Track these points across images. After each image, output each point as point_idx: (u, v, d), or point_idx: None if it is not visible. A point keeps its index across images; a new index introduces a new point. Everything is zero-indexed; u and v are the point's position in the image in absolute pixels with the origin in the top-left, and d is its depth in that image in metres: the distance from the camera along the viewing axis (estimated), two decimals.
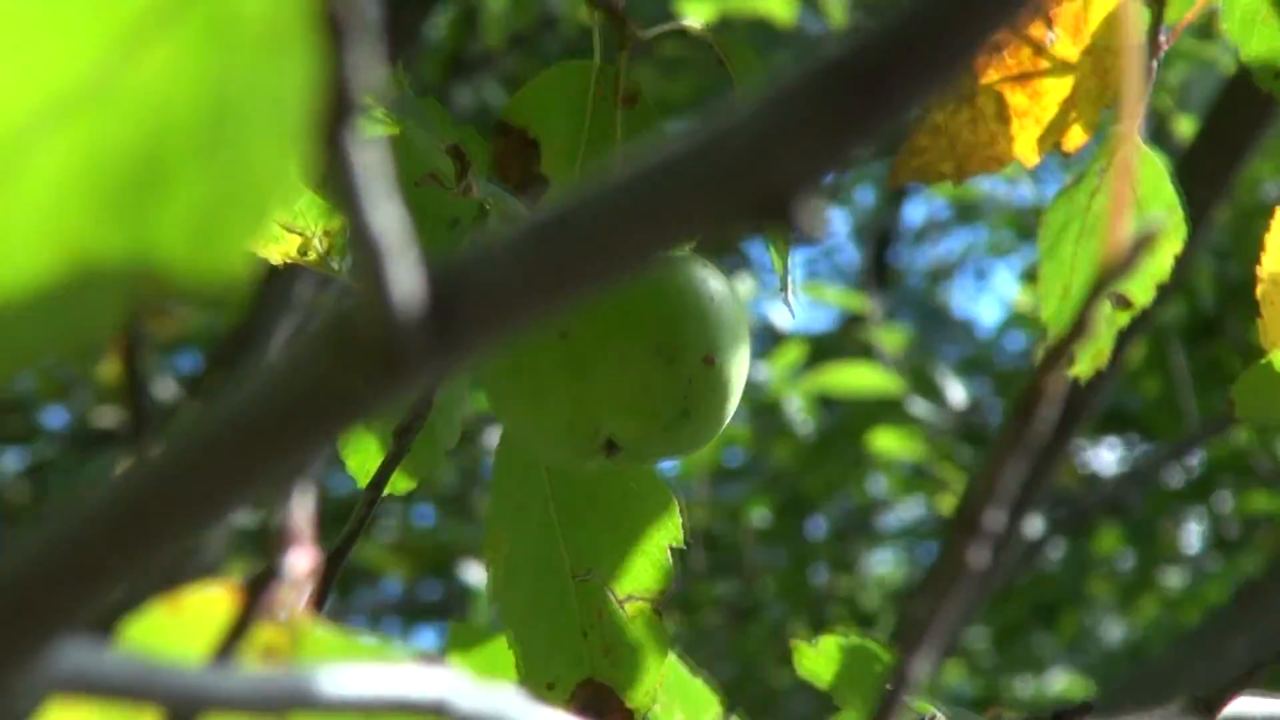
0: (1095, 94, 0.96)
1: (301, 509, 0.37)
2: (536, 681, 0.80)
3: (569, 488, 0.80)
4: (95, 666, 0.32)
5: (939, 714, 0.82)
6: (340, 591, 3.53)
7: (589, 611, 0.80)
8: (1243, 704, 0.86)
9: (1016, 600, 3.34)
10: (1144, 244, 0.40)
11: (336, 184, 0.32)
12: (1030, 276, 3.17)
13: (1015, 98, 0.95)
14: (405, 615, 3.69)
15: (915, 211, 4.86)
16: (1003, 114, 0.94)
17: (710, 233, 0.34)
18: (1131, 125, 0.98)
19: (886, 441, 3.06)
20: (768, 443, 3.40)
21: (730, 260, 4.59)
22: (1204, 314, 3.26)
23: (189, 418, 0.35)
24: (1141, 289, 0.99)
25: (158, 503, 0.34)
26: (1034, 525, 2.86)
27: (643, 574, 0.80)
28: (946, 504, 3.22)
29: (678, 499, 0.80)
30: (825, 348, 3.36)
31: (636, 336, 0.72)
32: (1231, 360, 3.21)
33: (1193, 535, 3.60)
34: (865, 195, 5.07)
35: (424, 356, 0.33)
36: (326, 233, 0.76)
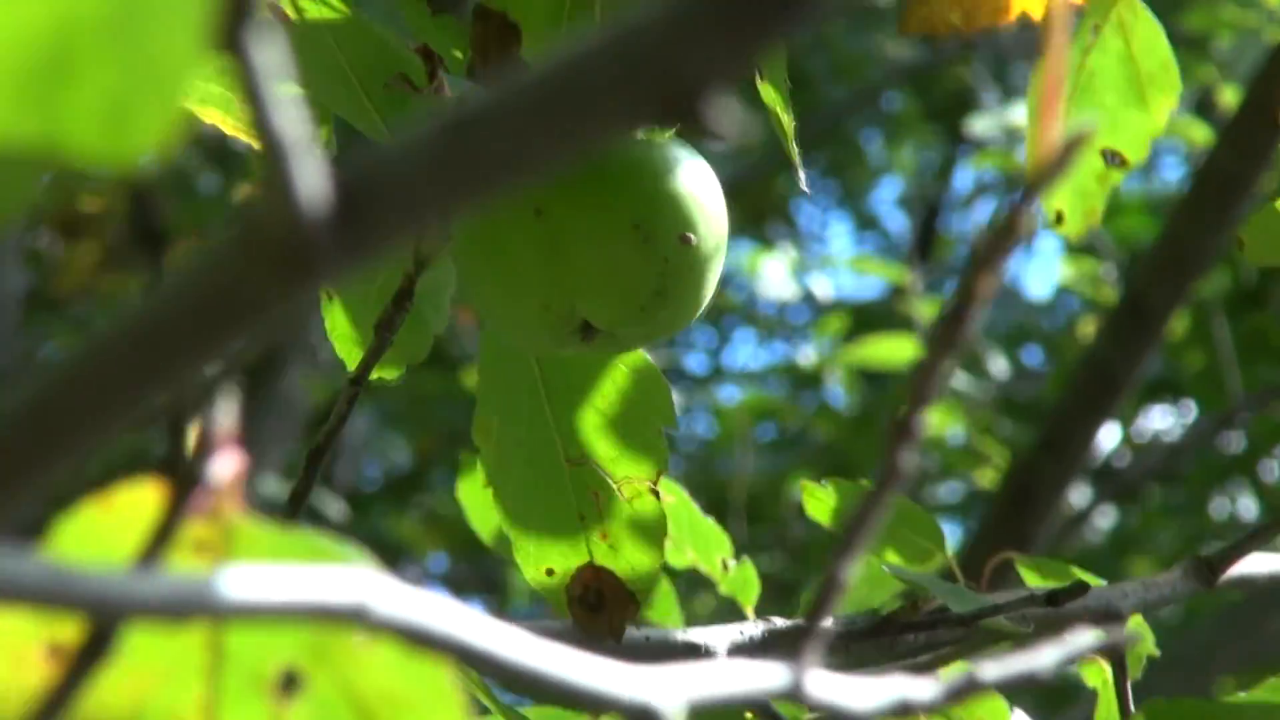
0: None
1: (225, 411, 0.37)
2: (535, 568, 0.80)
3: (559, 370, 0.79)
4: (7, 571, 0.32)
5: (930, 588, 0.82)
6: (388, 564, 3.56)
7: (584, 495, 0.80)
8: (1248, 563, 0.86)
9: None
10: (1074, 146, 0.39)
11: (237, 84, 0.32)
12: (1075, 249, 3.12)
13: None
14: (453, 589, 3.72)
15: (964, 179, 4.82)
16: None
17: (620, 129, 0.34)
18: None
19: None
20: (809, 416, 3.40)
21: (777, 228, 4.58)
22: (1247, 286, 3.22)
23: (110, 317, 0.35)
24: (1135, 147, 0.98)
25: (74, 397, 0.34)
26: (1081, 495, 2.86)
27: (637, 456, 0.79)
28: (988, 478, 3.20)
29: (668, 381, 0.79)
30: (869, 320, 3.34)
31: (612, 214, 0.71)
32: (1275, 332, 3.18)
33: (1240, 506, 3.58)
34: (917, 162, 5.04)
35: (332, 254, 0.33)
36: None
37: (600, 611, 0.80)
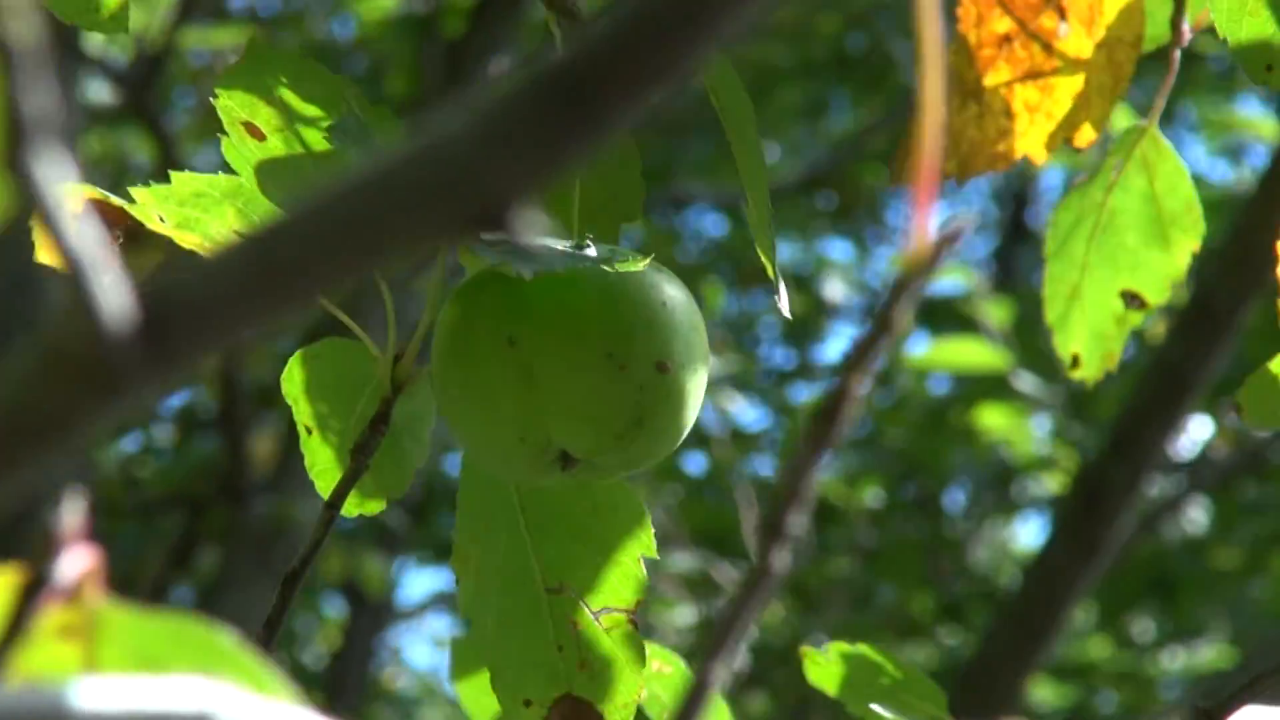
0: (1109, 88, 0.93)
1: (71, 512, 0.37)
2: (511, 698, 0.78)
3: (538, 499, 0.78)
4: None
5: None
6: None
7: (563, 626, 0.78)
8: (1247, 715, 0.83)
9: (1134, 572, 3.28)
10: (947, 241, 0.38)
11: (31, 208, 0.32)
12: None
13: (1026, 92, 0.92)
14: None
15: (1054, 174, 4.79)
16: (1010, 110, 0.92)
17: (429, 242, 0.33)
18: (1152, 120, 0.95)
19: (993, 418, 3.02)
20: (882, 415, 3.37)
21: (870, 229, 4.56)
22: None
23: None
24: (1156, 289, 0.96)
25: None
26: (1162, 486, 2.81)
27: (617, 586, 0.78)
28: (1057, 482, 3.17)
29: (649, 510, 0.78)
30: (940, 321, 3.32)
31: (586, 343, 0.70)
32: None
33: None
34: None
35: (137, 373, 0.33)
36: None
37: None
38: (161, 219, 0.73)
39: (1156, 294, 0.95)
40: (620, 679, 0.78)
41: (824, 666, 0.91)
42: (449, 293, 0.74)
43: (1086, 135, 0.92)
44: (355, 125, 0.72)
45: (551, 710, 0.78)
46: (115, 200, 0.73)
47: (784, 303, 0.77)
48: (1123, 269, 0.95)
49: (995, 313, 3.06)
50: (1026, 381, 3.00)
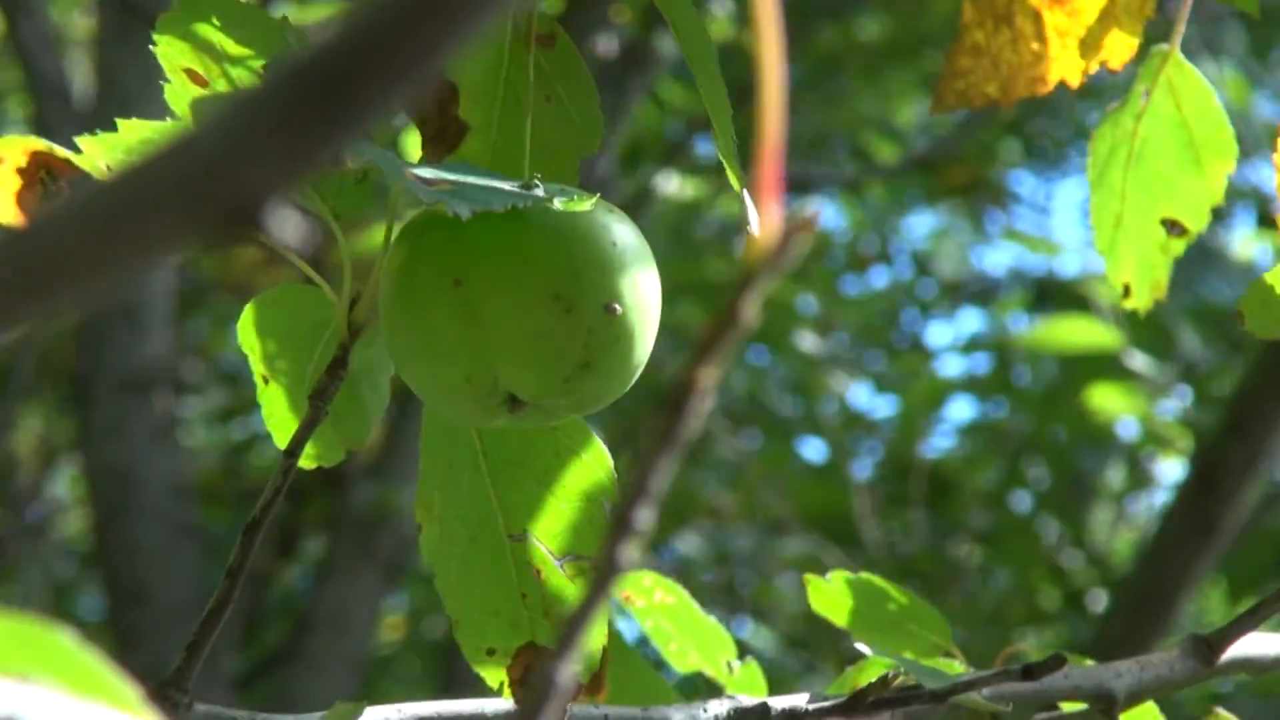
0: (1136, 7, 0.91)
1: None
2: (474, 647, 0.77)
3: (500, 444, 0.77)
4: None
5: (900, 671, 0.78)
6: None
7: (526, 573, 0.77)
8: (1249, 643, 0.81)
9: (1260, 550, 3.20)
10: (794, 234, 0.37)
11: None
12: (1266, 223, 3.04)
13: (1053, 17, 0.91)
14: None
15: None
16: (1041, 33, 0.91)
17: (182, 241, 0.33)
18: (1174, 43, 0.93)
19: (1106, 398, 2.97)
20: (992, 397, 3.33)
21: (990, 208, 4.50)
22: None
23: None
24: (1195, 215, 0.94)
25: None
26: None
27: (581, 533, 0.77)
28: (1173, 462, 3.11)
29: (609, 455, 0.77)
30: (1056, 302, 3.28)
31: (532, 284, 0.69)
32: None
33: None
34: None
35: None
36: None
37: None
38: (108, 168, 0.73)
39: (1196, 220, 0.95)
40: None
41: (829, 595, 0.90)
42: (397, 234, 0.73)
43: (1119, 56, 0.91)
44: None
45: (515, 659, 0.77)
46: (60, 151, 0.73)
47: (754, 224, 0.75)
48: (1160, 196, 0.94)
49: (1107, 292, 3.00)
50: (1139, 361, 2.95)
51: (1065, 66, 0.92)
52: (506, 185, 0.69)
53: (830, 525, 3.18)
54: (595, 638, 0.77)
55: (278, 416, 0.78)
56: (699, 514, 3.35)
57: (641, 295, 0.71)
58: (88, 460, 2.40)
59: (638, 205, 3.41)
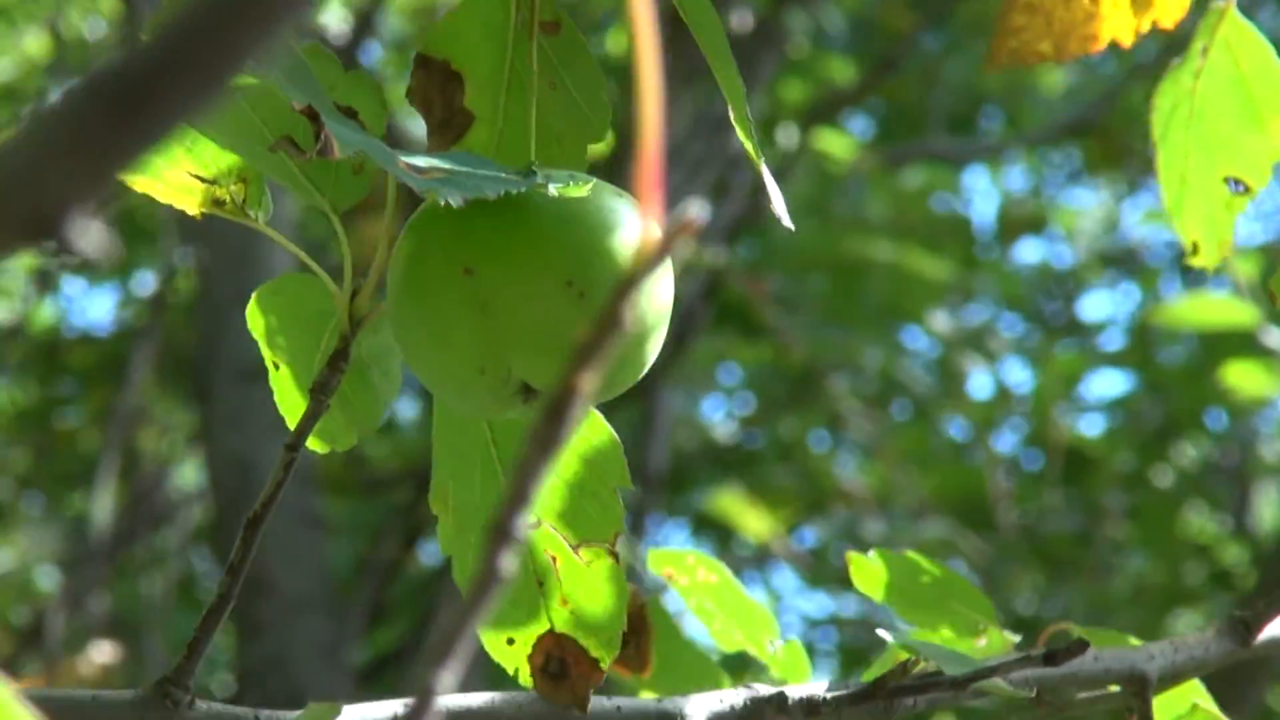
0: None
1: None
2: (494, 638, 0.77)
3: (510, 433, 0.76)
4: None
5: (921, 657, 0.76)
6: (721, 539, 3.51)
7: (542, 560, 0.77)
8: None
9: None
10: (677, 233, 0.36)
11: None
12: None
13: None
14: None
15: None
16: None
17: None
18: (1229, 0, 0.91)
19: (1242, 375, 2.90)
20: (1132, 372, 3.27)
21: (1138, 178, 4.41)
22: None
23: None
24: (1257, 173, 0.92)
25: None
26: None
27: (595, 519, 0.76)
28: None
29: (619, 440, 0.76)
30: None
31: (544, 271, 0.68)
32: None
33: None
34: None
35: None
36: (241, 181, 0.75)
37: (563, 680, 0.77)
38: None
39: (1258, 177, 0.94)
40: (603, 613, 0.76)
41: (869, 571, 0.89)
42: (405, 225, 0.72)
43: (1171, 14, 0.89)
44: (286, 59, 0.70)
45: (534, 648, 0.77)
46: None
47: (779, 206, 0.74)
48: (1221, 154, 0.93)
49: (1243, 267, 2.93)
50: (1276, 338, 2.87)
51: (1117, 24, 0.91)
52: (504, 173, 0.68)
53: (965, 509, 3.14)
54: (613, 623, 0.76)
55: (289, 403, 0.78)
56: (832, 499, 3.33)
57: (655, 280, 0.70)
58: (209, 451, 2.42)
59: (777, 179, 3.39)
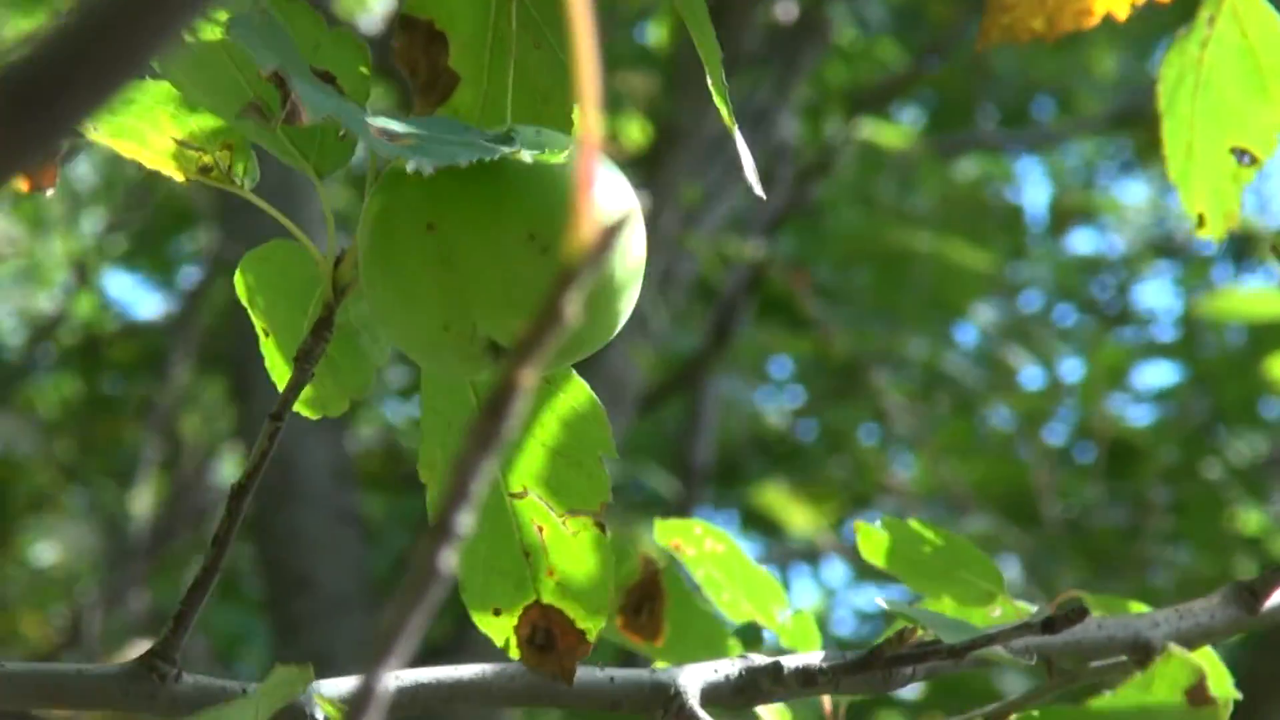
0: None
1: None
2: (480, 608, 0.76)
3: None
4: None
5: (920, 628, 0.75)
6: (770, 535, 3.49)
7: (529, 530, 0.76)
8: None
9: None
10: (613, 232, 0.37)
11: None
12: None
13: None
14: None
15: None
16: None
17: None
18: None
19: None
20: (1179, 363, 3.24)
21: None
22: None
23: None
24: (1264, 144, 0.91)
25: None
26: None
27: (581, 489, 0.75)
28: None
29: (603, 408, 0.75)
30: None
31: (506, 224, 0.67)
32: None
33: None
34: None
35: None
36: (226, 147, 0.74)
37: (550, 652, 0.76)
38: (94, 128, 0.73)
39: (1265, 148, 0.93)
40: (590, 585, 0.75)
41: (874, 540, 0.88)
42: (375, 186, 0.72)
43: None
44: (260, 19, 0.69)
45: (521, 619, 0.76)
46: None
47: (751, 174, 0.73)
48: (1228, 125, 0.92)
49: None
50: None
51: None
52: (480, 139, 0.67)
53: (1010, 503, 3.11)
54: (600, 595, 0.75)
55: (280, 370, 0.77)
56: (877, 493, 3.31)
57: (624, 237, 0.69)
58: (248, 448, 2.42)
59: (821, 167, 3.37)
